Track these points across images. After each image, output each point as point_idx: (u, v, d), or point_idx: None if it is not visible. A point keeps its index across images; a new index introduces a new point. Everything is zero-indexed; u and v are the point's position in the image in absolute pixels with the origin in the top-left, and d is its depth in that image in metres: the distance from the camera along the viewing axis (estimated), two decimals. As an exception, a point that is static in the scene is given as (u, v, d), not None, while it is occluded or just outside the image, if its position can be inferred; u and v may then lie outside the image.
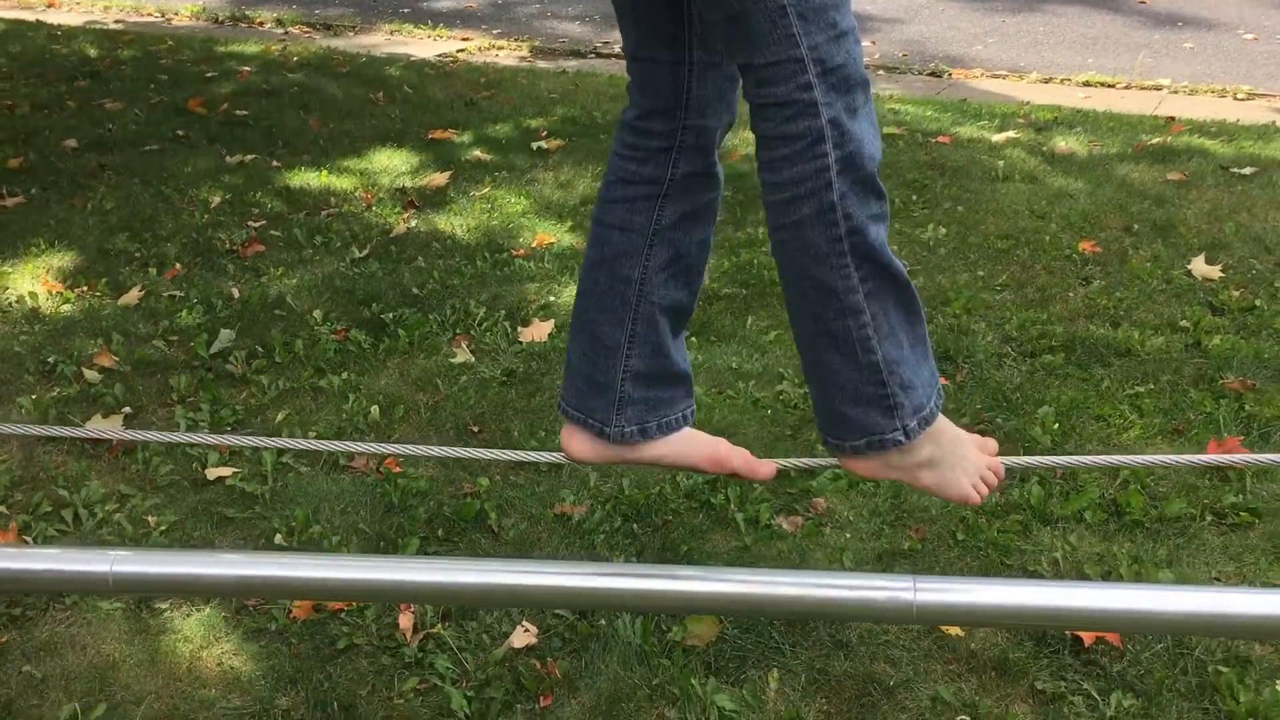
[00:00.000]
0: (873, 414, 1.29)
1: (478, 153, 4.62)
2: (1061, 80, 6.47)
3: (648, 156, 1.37)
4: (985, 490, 1.36)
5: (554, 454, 1.49)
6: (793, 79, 1.19)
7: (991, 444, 1.40)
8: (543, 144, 4.72)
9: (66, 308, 3.41)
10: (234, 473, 2.59)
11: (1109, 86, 6.30)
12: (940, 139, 4.64)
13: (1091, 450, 2.45)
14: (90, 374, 3.03)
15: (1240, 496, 2.31)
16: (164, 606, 2.22)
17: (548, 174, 4.39)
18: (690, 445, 1.44)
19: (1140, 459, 1.37)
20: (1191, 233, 3.59)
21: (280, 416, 2.81)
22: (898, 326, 1.28)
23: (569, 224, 3.88)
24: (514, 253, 3.66)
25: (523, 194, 4.18)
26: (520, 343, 3.10)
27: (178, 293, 3.45)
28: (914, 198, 3.98)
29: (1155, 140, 4.59)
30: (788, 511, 2.35)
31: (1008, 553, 2.18)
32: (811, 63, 1.19)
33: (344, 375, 2.97)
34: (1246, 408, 2.60)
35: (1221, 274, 3.29)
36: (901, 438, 1.30)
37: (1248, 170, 4.12)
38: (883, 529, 2.28)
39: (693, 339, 3.05)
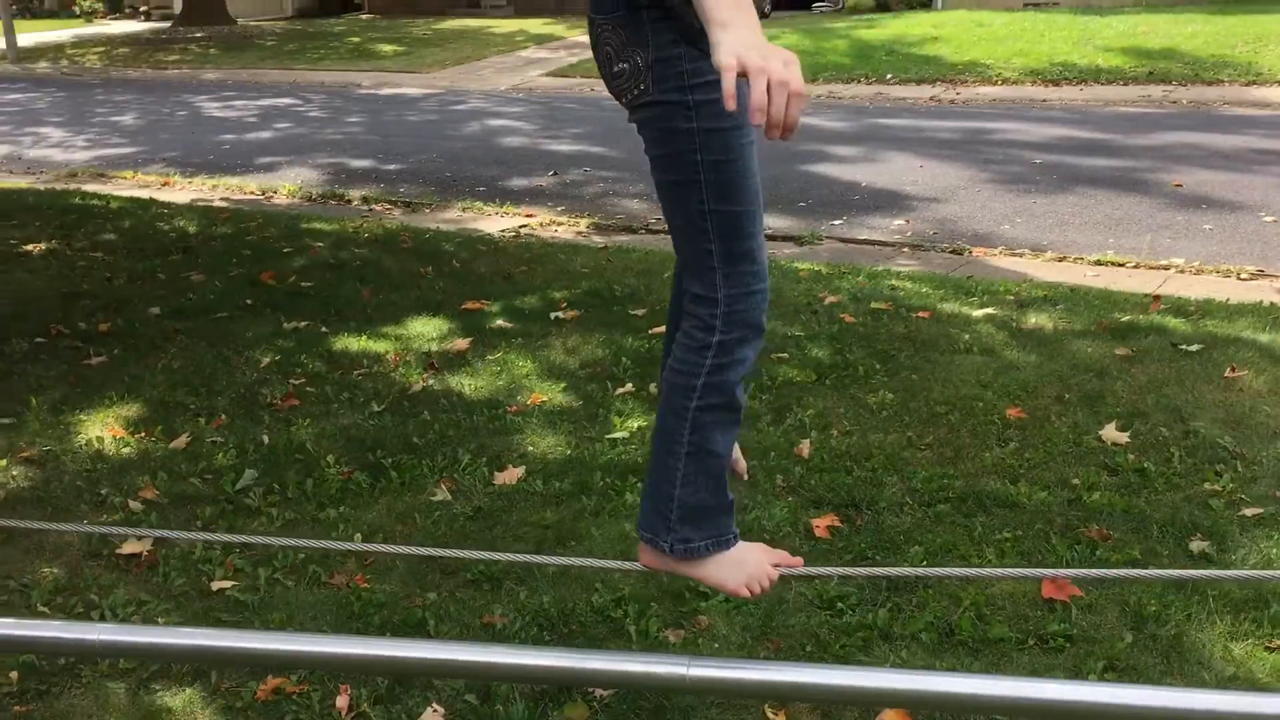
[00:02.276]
0: (658, 523, 1.88)
1: (501, 321, 5.32)
2: (1075, 259, 6.97)
3: None
4: (757, 589, 1.92)
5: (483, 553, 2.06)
6: (708, 309, 1.85)
7: (790, 560, 1.96)
8: (560, 314, 5.40)
9: (126, 450, 4.11)
10: (233, 585, 3.19)
11: (1119, 266, 6.77)
12: (921, 314, 5.18)
13: (948, 585, 2.90)
14: (134, 504, 3.70)
15: (1062, 625, 2.73)
16: (157, 686, 2.79)
17: (558, 341, 5.05)
18: None
19: (924, 571, 1.83)
20: (1117, 402, 4.04)
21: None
22: (701, 486, 1.89)
23: (563, 385, 4.50)
24: (509, 409, 4.28)
25: (531, 358, 4.84)
26: (494, 485, 3.68)
27: (219, 439, 4.14)
28: (878, 366, 4.51)
29: (1125, 318, 5.06)
30: (675, 626, 2.84)
31: (846, 663, 2.63)
32: (723, 304, 1.84)
33: (340, 509, 3.59)
34: (1098, 553, 3.02)
35: (1129, 439, 3.73)
36: (667, 549, 1.88)
37: (1195, 347, 4.56)
38: (748, 641, 2.75)
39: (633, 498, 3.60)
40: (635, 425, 4.05)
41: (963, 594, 2.85)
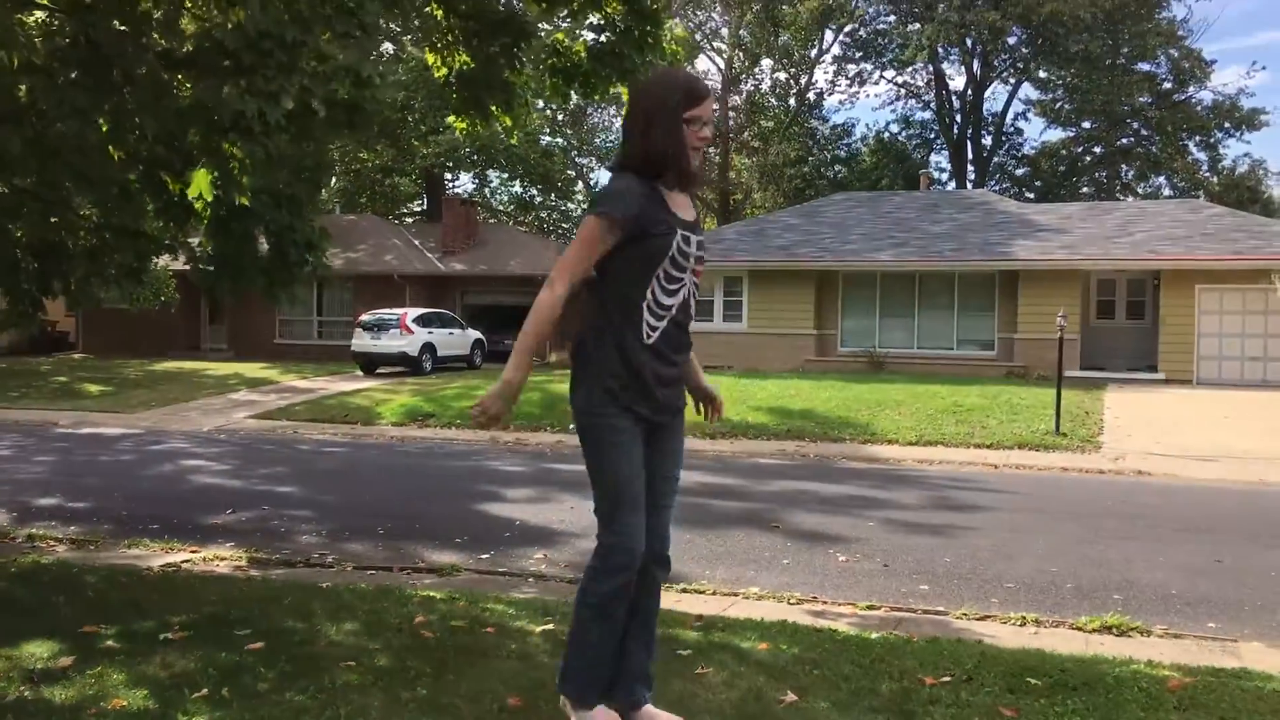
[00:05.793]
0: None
1: (111, 642, 6.16)
2: (666, 586, 8.39)
3: None
4: None
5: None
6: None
7: None
8: (171, 635, 6.29)
9: None
10: None
11: (700, 592, 8.23)
12: (489, 629, 6.36)
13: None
14: None
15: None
16: None
17: (159, 657, 5.92)
18: None
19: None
20: (601, 692, 5.25)
21: None
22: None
23: (145, 691, 5.37)
24: (89, 711, 5.11)
25: (127, 671, 5.69)
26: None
27: None
28: (428, 670, 5.60)
29: (658, 631, 6.39)
30: None
31: None
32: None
33: (-97, 795, 4.31)
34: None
35: (591, 718, 4.91)
36: None
37: (687, 652, 5.90)
38: None
39: None
40: (196, 720, 4.97)
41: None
